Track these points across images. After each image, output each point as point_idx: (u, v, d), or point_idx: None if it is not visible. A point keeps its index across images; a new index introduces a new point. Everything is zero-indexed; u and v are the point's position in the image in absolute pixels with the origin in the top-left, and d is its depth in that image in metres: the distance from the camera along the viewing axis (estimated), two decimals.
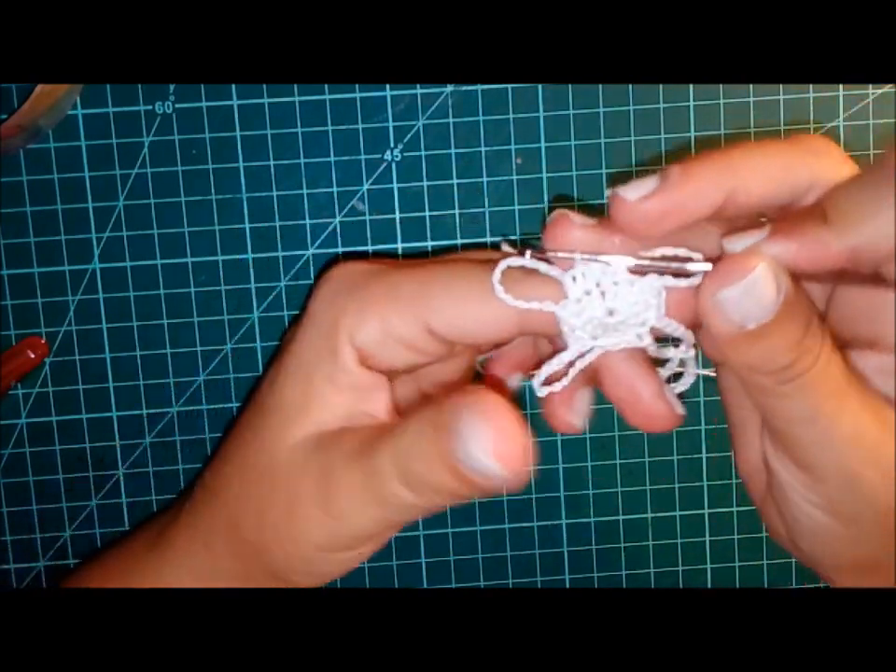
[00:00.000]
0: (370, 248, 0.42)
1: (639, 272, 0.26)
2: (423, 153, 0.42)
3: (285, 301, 0.42)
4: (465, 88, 0.41)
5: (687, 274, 0.26)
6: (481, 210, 0.42)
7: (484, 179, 0.42)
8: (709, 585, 0.45)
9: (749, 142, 0.27)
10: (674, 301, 0.27)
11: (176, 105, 0.41)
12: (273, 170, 0.41)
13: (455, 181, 0.42)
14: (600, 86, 0.41)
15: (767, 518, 0.30)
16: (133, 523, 0.43)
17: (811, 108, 0.42)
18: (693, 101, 0.41)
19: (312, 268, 0.42)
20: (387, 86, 0.41)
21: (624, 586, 0.45)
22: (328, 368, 0.29)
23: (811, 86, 0.41)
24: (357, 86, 0.41)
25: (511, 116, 0.41)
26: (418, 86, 0.41)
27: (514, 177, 0.42)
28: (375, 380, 0.29)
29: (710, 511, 0.44)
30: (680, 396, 0.29)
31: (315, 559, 0.29)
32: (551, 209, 0.27)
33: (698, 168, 0.25)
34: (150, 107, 0.41)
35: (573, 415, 0.30)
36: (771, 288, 0.24)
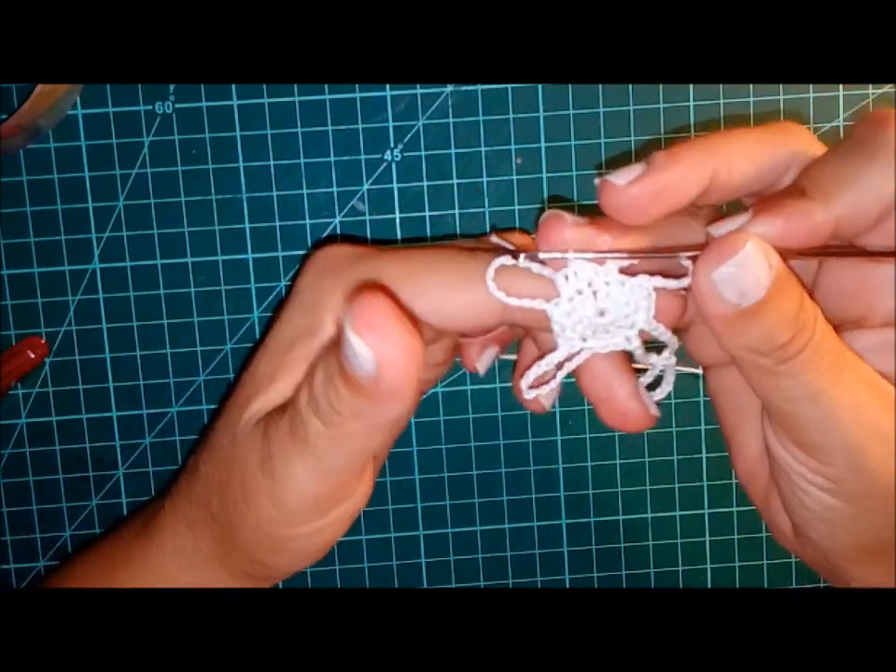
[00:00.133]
0: None
1: (630, 272, 0.26)
2: (423, 153, 0.42)
3: None
4: (465, 88, 0.41)
5: (677, 276, 0.26)
6: (481, 210, 0.42)
7: (484, 179, 0.42)
8: (709, 585, 0.45)
9: (728, 129, 0.28)
10: (662, 305, 0.27)
11: (176, 105, 0.41)
12: (272, 170, 0.41)
13: (455, 181, 0.42)
14: (600, 86, 0.41)
15: (770, 517, 0.30)
16: None
17: (811, 108, 0.42)
18: (693, 101, 0.41)
19: None
20: (387, 86, 0.41)
21: (624, 586, 0.45)
22: (305, 345, 0.29)
23: (811, 86, 0.41)
24: (356, 86, 0.41)
25: (511, 116, 0.41)
26: (418, 86, 0.41)
27: (514, 177, 0.42)
28: None
29: (710, 511, 0.44)
30: (658, 403, 0.29)
31: (275, 535, 0.29)
32: (541, 211, 0.27)
33: (682, 152, 0.26)
34: (150, 107, 0.41)
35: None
36: (762, 264, 0.24)
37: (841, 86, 0.41)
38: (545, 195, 0.42)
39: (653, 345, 0.28)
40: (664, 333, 0.28)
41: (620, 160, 0.42)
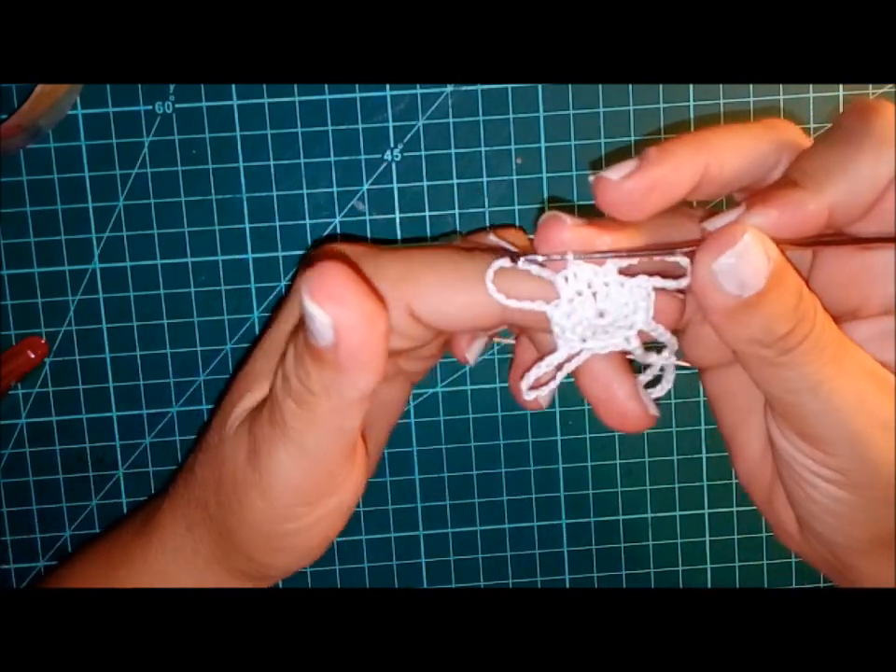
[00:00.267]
0: None
1: (629, 273, 0.27)
2: (423, 153, 0.42)
3: None
4: (465, 88, 0.41)
5: (675, 276, 0.26)
6: (481, 210, 0.42)
7: (484, 179, 0.42)
8: (709, 585, 0.45)
9: (719, 124, 0.28)
10: (660, 306, 0.27)
11: (176, 105, 0.41)
12: (272, 170, 0.41)
13: (455, 181, 0.42)
14: (600, 86, 0.41)
15: (773, 515, 0.30)
16: None
17: (811, 108, 0.42)
18: (693, 101, 0.41)
19: None
20: (387, 86, 0.41)
21: (624, 586, 0.45)
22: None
23: (811, 86, 0.41)
24: (356, 86, 0.41)
25: (511, 116, 0.41)
26: (418, 86, 0.41)
27: (514, 177, 0.42)
28: None
29: (710, 511, 0.44)
30: (657, 402, 0.29)
31: (269, 533, 0.29)
32: (541, 211, 0.27)
33: (674, 147, 0.26)
34: (150, 107, 0.41)
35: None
36: (761, 255, 0.24)
37: (841, 86, 0.41)
38: (545, 195, 0.42)
39: (652, 346, 0.29)
40: (663, 334, 0.28)
41: (618, 159, 0.42)
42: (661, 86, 0.41)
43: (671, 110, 0.41)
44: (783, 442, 0.28)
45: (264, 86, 0.41)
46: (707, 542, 0.45)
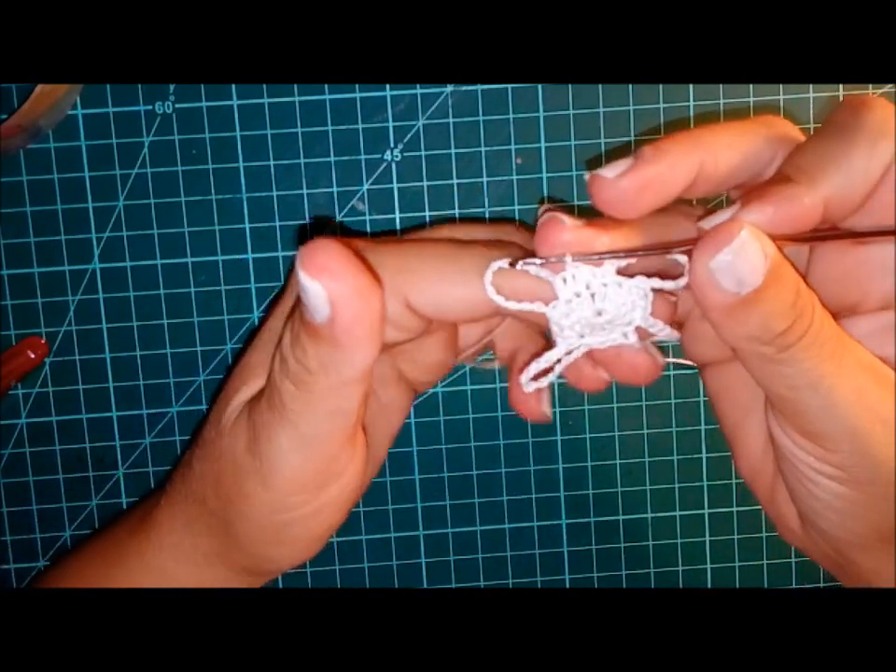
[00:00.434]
0: None
1: (628, 272, 0.27)
2: (423, 153, 0.42)
3: None
4: (465, 88, 0.41)
5: (673, 276, 0.26)
6: (481, 210, 0.42)
7: (484, 179, 0.42)
8: (709, 585, 0.45)
9: (713, 122, 0.28)
10: (655, 307, 0.27)
11: (176, 105, 0.41)
12: (272, 170, 0.41)
13: (455, 181, 0.42)
14: (600, 86, 0.41)
15: (776, 513, 0.30)
16: None
17: (811, 108, 0.42)
18: (693, 101, 0.41)
19: None
20: (387, 86, 0.41)
21: (624, 586, 0.45)
22: None
23: (811, 86, 0.41)
24: (356, 86, 0.41)
25: (511, 116, 0.41)
26: (418, 86, 0.41)
27: (514, 177, 0.42)
28: None
29: (710, 511, 0.44)
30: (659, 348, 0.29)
31: (270, 523, 0.29)
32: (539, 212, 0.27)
33: (669, 145, 0.27)
34: (150, 107, 0.41)
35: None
36: (758, 251, 0.24)
37: (841, 86, 0.41)
38: (545, 195, 0.42)
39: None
40: (662, 329, 0.28)
41: (617, 159, 0.42)
42: (661, 86, 0.41)
43: (671, 110, 0.41)
44: (784, 439, 0.28)
45: (264, 86, 0.41)
46: (707, 542, 0.45)
